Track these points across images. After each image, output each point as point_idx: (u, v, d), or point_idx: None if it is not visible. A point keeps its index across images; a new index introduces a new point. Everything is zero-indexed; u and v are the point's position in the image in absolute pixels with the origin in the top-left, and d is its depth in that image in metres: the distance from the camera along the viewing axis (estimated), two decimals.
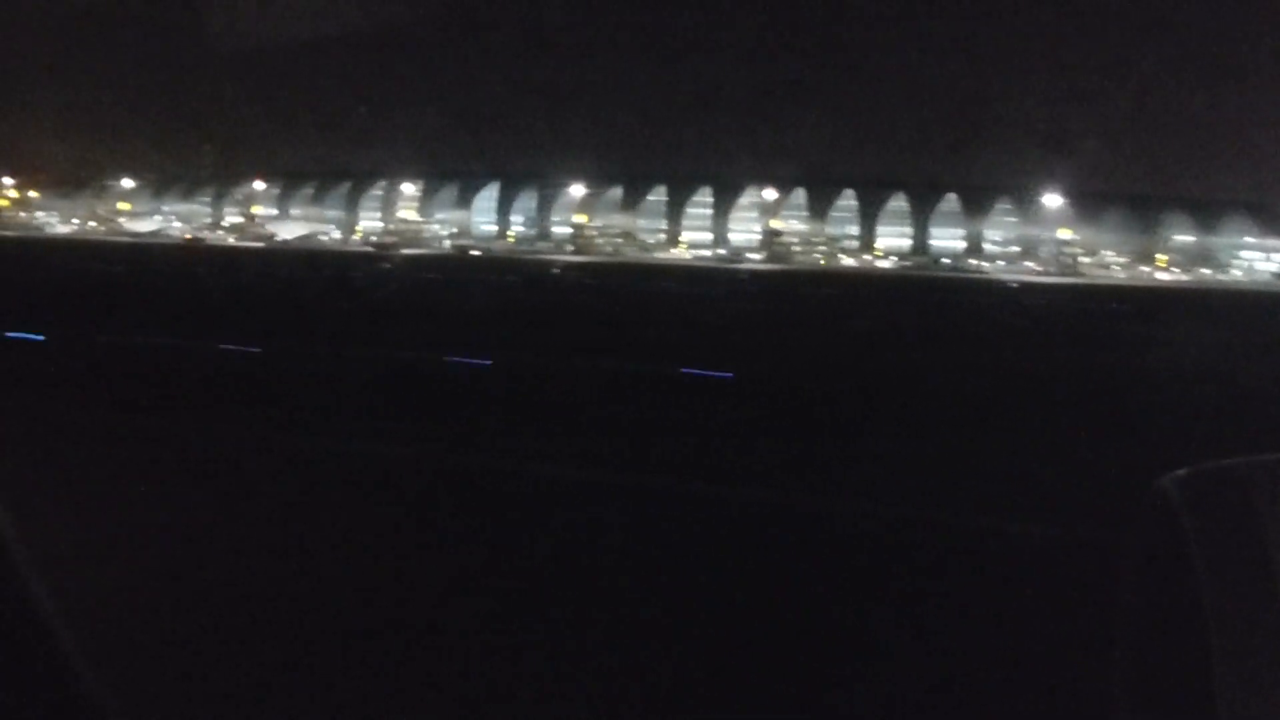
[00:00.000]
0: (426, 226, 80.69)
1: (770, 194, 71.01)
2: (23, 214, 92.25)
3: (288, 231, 78.24)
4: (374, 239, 75.37)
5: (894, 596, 5.63)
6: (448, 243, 78.24)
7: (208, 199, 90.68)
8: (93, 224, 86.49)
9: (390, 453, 8.88)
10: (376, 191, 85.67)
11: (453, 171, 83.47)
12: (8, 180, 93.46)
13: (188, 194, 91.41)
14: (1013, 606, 5.23)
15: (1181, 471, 1.24)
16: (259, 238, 76.48)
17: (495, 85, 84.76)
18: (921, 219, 72.37)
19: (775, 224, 70.09)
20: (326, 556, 5.86)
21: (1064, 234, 66.11)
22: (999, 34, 73.94)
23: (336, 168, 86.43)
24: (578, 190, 75.88)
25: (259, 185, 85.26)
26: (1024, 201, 69.78)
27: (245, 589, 5.26)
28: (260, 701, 4.17)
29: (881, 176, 72.45)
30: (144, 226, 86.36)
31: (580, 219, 74.48)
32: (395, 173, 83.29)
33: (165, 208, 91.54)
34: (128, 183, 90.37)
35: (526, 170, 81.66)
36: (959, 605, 5.37)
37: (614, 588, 5.69)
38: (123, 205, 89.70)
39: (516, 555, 6.25)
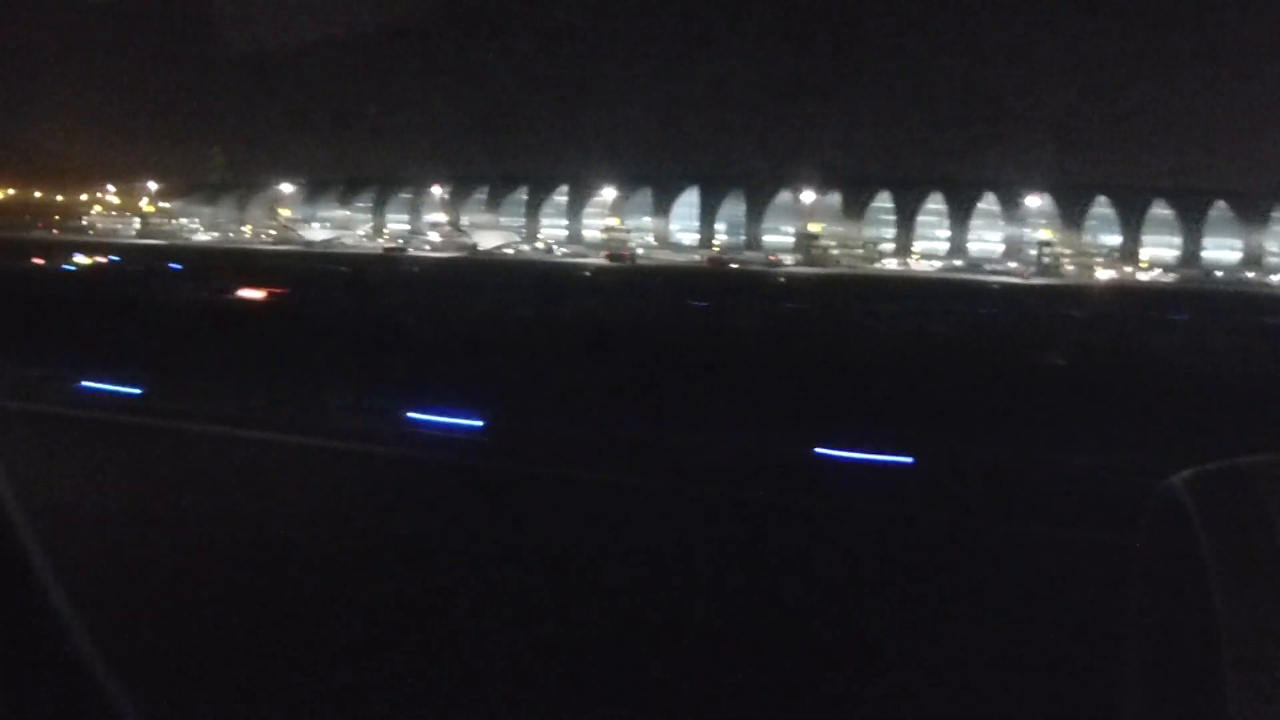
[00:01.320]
0: (627, 234, 75.38)
1: (1034, 201, 65.70)
2: (170, 222, 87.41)
3: (487, 241, 72.90)
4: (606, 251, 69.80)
5: (906, 597, 5.72)
6: (640, 250, 73.07)
7: (368, 204, 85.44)
8: (268, 232, 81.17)
9: None
10: (559, 198, 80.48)
11: (640, 176, 78.38)
12: (153, 186, 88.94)
13: (344, 199, 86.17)
14: (1023, 606, 5.28)
15: (1190, 470, 1.21)
16: (462, 248, 71.12)
17: (690, 83, 79.46)
18: (1191, 228, 67.03)
19: (1046, 233, 64.72)
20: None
21: None
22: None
23: (511, 173, 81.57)
24: (805, 196, 70.60)
25: (436, 190, 79.96)
26: None
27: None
28: None
29: (1142, 181, 67.22)
30: (316, 235, 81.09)
31: (814, 228, 69.15)
32: (580, 177, 78.25)
33: (320, 213, 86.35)
34: (286, 187, 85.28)
35: (726, 174, 76.65)
36: (969, 605, 5.43)
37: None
38: (284, 211, 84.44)
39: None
